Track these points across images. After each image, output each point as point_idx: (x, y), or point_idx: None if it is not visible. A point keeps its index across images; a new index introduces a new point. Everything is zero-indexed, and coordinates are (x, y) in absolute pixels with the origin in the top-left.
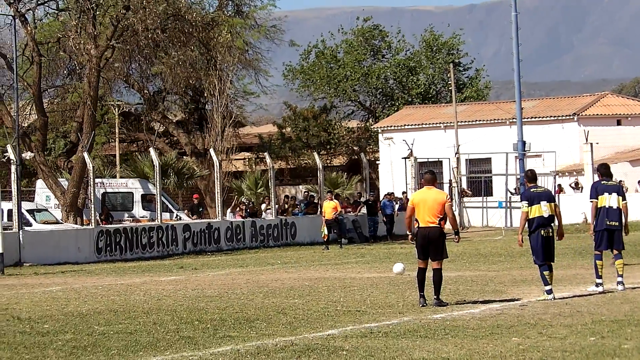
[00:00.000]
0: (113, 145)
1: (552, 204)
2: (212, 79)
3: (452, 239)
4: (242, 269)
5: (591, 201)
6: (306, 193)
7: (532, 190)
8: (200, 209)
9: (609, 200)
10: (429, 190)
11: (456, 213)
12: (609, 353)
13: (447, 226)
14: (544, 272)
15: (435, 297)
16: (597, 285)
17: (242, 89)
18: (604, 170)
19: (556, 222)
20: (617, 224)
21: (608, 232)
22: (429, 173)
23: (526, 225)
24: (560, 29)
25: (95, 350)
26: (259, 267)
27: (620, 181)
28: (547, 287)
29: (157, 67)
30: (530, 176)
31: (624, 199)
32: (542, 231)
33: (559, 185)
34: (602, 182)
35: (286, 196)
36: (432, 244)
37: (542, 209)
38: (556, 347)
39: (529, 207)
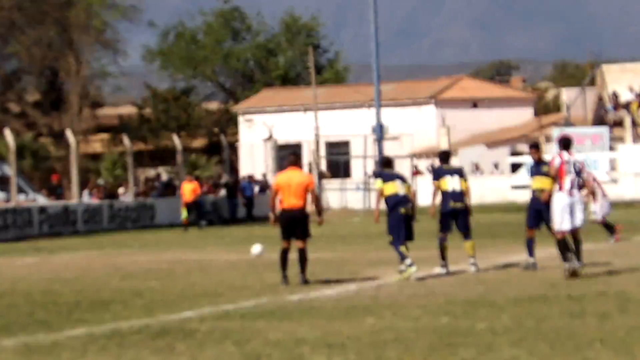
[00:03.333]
0: None
1: (407, 185)
2: (68, 59)
3: (315, 220)
4: (99, 252)
5: (433, 182)
6: (158, 175)
7: (386, 171)
8: (59, 190)
9: (452, 182)
10: (293, 172)
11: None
12: (462, 333)
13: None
14: (400, 247)
15: (301, 274)
16: (442, 266)
17: (100, 69)
18: (444, 156)
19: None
20: (461, 205)
21: (453, 214)
22: (292, 155)
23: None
24: (419, 12)
25: None
26: (117, 250)
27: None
28: (409, 260)
29: (13, 47)
30: (385, 162)
31: (465, 180)
32: (402, 209)
33: (416, 167)
34: (443, 167)
35: (145, 178)
36: (296, 225)
37: (397, 187)
38: (410, 328)
39: (384, 185)
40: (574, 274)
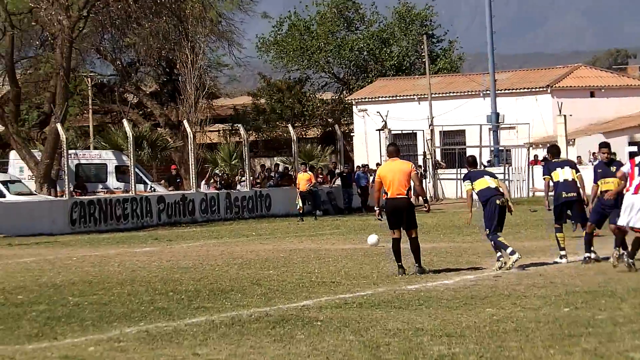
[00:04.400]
0: (87, 117)
1: (496, 179)
2: (184, 51)
3: (421, 208)
4: (217, 241)
5: (544, 178)
6: (277, 165)
7: (473, 171)
8: (178, 180)
9: (563, 173)
10: (394, 162)
11: (430, 185)
12: (582, 324)
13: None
14: (499, 238)
15: (416, 264)
16: (561, 257)
17: (215, 60)
18: (555, 150)
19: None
20: (574, 194)
21: (566, 204)
22: (391, 145)
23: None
24: (534, 1)
25: (70, 321)
26: (234, 239)
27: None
28: (509, 249)
29: (130, 39)
30: (471, 161)
31: (577, 171)
32: (497, 200)
33: (535, 156)
34: (554, 161)
35: (262, 166)
36: (403, 214)
37: (488, 181)
38: (530, 318)
39: (474, 183)
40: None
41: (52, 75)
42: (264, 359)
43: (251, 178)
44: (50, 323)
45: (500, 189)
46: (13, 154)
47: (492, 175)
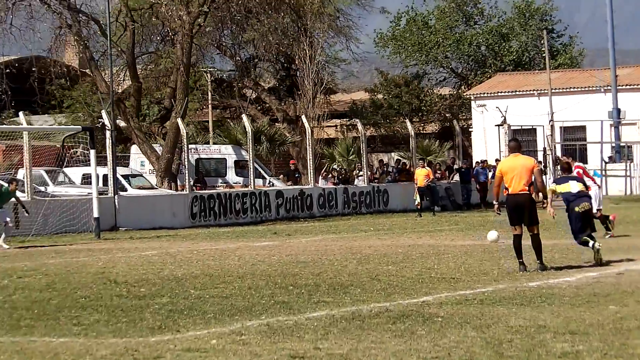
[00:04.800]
0: (206, 112)
1: (582, 183)
2: (303, 46)
3: (541, 205)
4: (335, 236)
5: None
6: (398, 161)
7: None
8: (297, 175)
9: None
10: (516, 158)
11: (550, 181)
12: None
13: None
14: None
15: (538, 261)
16: None
17: (333, 55)
18: None
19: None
20: None
21: None
22: (513, 141)
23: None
24: None
25: (192, 313)
26: (352, 234)
27: None
28: (591, 243)
29: (249, 34)
30: (566, 167)
31: None
32: (576, 208)
33: None
34: None
35: (380, 161)
36: (524, 210)
37: (571, 186)
38: None
39: (557, 186)
40: None
41: (172, 70)
42: (385, 354)
43: (369, 173)
44: (172, 316)
45: (582, 192)
46: (134, 149)
47: (579, 181)
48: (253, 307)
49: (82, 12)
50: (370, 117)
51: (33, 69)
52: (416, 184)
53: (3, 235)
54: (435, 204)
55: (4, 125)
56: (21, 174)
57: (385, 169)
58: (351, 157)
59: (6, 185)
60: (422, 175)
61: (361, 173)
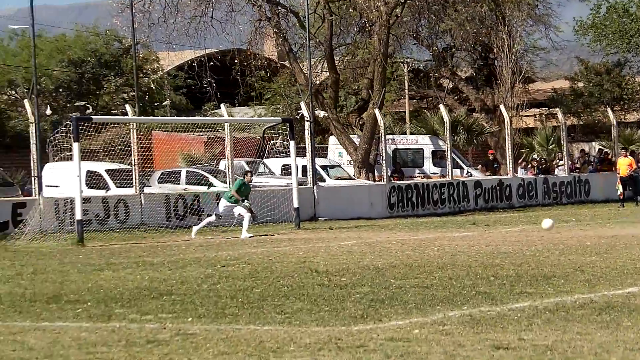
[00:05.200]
0: (403, 102)
1: None
2: (501, 35)
3: None
4: (535, 226)
5: None
6: (600, 150)
7: None
8: (495, 165)
9: None
10: None
11: None
12: None
13: None
14: None
15: None
16: None
17: (531, 44)
18: None
19: None
20: None
21: None
22: None
23: None
24: None
25: (393, 303)
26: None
27: None
28: None
29: (446, 24)
30: None
31: None
32: None
33: None
34: None
35: (581, 150)
36: None
37: None
38: None
39: None
40: None
41: (369, 61)
42: (591, 345)
43: (569, 163)
44: (374, 305)
45: None
46: (332, 139)
47: None
48: (454, 297)
49: (281, 4)
50: (571, 106)
51: (235, 62)
52: (619, 174)
53: (246, 225)
54: (638, 194)
55: (207, 117)
56: (222, 164)
57: (587, 159)
58: (551, 146)
59: (241, 178)
60: (624, 164)
61: (561, 163)
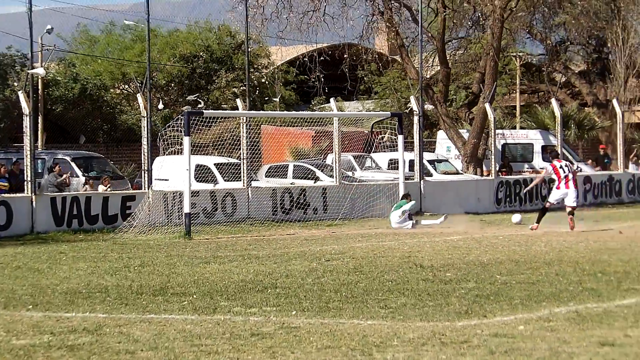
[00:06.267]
0: (513, 97)
1: None
2: (615, 29)
3: None
4: None
5: None
6: None
7: None
8: (606, 160)
9: None
10: None
11: None
12: None
13: None
14: None
15: None
16: None
17: None
18: None
19: None
20: None
21: None
22: None
23: None
24: None
25: (498, 299)
26: None
27: None
28: None
29: (561, 17)
30: None
31: None
32: None
33: None
34: None
35: None
36: None
37: None
38: None
39: None
40: None
41: (481, 55)
42: None
43: None
44: (479, 301)
45: None
46: (441, 134)
47: None
48: (560, 293)
49: None
50: None
51: (345, 56)
52: None
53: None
54: None
55: (316, 112)
56: (329, 159)
57: None
58: None
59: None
60: None
61: None
